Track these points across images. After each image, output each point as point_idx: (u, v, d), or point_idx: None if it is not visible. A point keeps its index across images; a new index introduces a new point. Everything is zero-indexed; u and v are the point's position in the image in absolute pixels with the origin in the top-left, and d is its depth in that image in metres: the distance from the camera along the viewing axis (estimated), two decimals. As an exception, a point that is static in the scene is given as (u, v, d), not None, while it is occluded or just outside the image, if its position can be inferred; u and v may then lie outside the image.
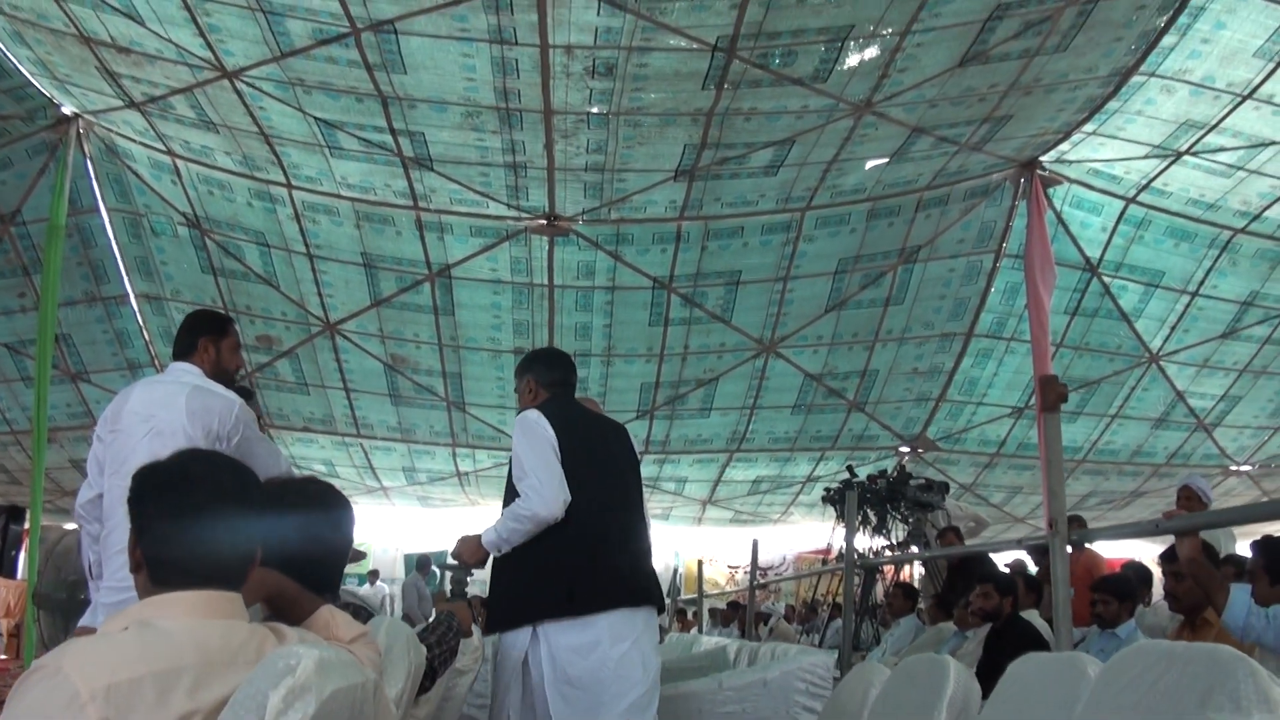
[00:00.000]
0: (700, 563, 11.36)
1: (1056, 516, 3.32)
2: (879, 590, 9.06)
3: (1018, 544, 3.72)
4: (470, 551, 3.58)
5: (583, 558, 3.35)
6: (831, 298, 10.35)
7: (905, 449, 12.35)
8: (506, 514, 3.50)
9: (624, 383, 11.14)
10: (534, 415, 3.60)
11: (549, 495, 3.41)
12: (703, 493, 13.98)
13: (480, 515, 13.96)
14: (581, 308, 10.24)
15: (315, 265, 9.79)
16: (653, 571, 3.69)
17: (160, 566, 1.62)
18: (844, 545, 6.02)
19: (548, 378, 3.84)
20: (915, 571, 10.93)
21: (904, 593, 7.53)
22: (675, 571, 12.98)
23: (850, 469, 5.55)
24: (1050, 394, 3.41)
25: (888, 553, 9.20)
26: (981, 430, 12.37)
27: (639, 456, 3.88)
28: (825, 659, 4.21)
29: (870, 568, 8.55)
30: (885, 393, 11.73)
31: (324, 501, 2.17)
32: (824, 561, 11.51)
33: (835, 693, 3.48)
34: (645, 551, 3.68)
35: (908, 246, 9.88)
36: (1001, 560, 6.76)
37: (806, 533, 13.79)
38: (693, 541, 14.82)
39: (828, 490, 9.71)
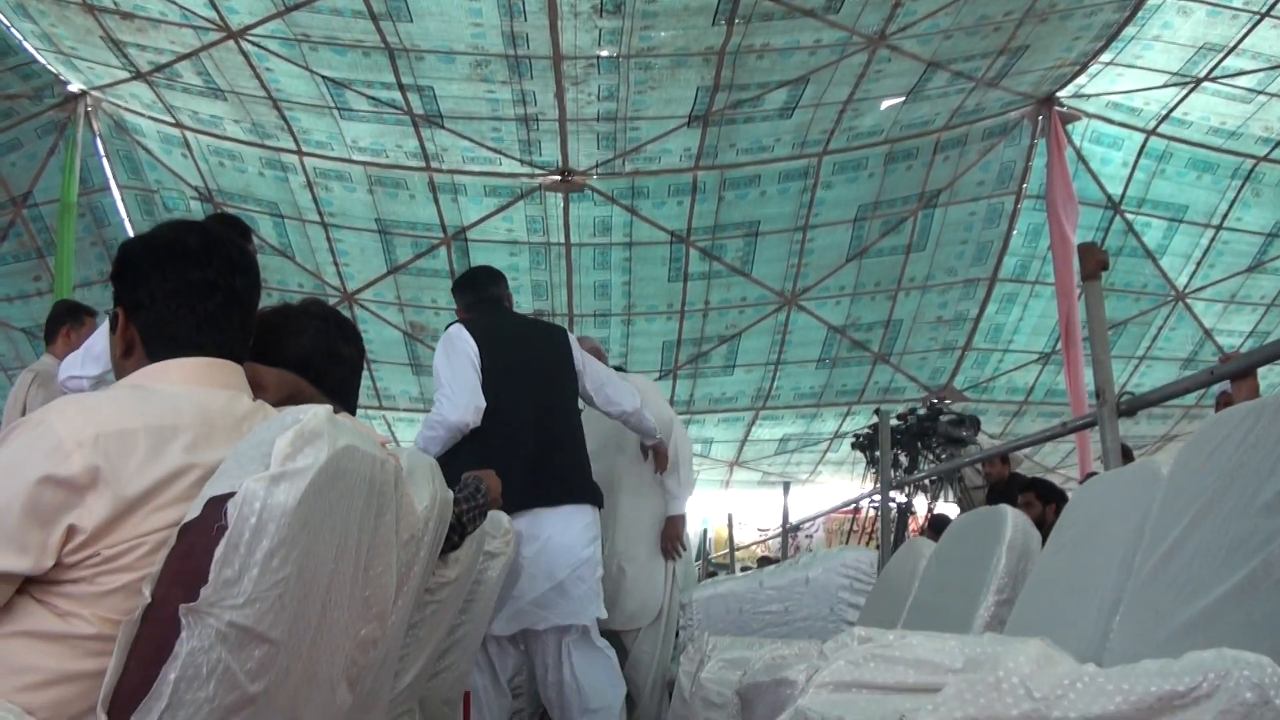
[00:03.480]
0: (730, 520, 11.17)
1: (1104, 387, 3.15)
2: (911, 532, 8.89)
3: (1062, 427, 3.58)
4: None
5: (499, 461, 3.27)
6: (852, 246, 10.18)
7: (933, 401, 12.16)
8: (423, 423, 3.63)
9: (645, 341, 10.99)
10: (455, 330, 3.69)
11: (460, 402, 3.51)
12: (729, 454, 13.83)
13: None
14: (600, 265, 10.10)
15: (330, 234, 9.69)
16: (580, 469, 3.73)
17: (161, 344, 1.49)
18: (875, 490, 5.90)
19: (463, 301, 3.92)
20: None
21: (942, 524, 7.36)
22: (704, 534, 12.84)
23: (879, 411, 5.33)
24: (1090, 261, 3.25)
25: (921, 497, 9.05)
26: (1009, 378, 12.15)
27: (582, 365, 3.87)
28: (868, 554, 4.07)
29: (903, 509, 8.39)
30: (910, 343, 11.54)
31: (331, 313, 2.06)
32: (853, 520, 11.33)
33: (882, 576, 3.35)
34: (571, 452, 3.71)
35: (927, 190, 9.70)
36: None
37: (835, 492, 13.61)
38: (721, 505, 14.66)
39: (856, 436, 9.54)
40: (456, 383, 3.56)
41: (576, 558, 3.53)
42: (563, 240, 9.81)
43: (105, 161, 9.15)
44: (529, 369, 3.69)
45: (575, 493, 3.63)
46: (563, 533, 3.54)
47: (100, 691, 1.16)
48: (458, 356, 3.61)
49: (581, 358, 3.83)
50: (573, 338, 3.86)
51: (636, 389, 4.30)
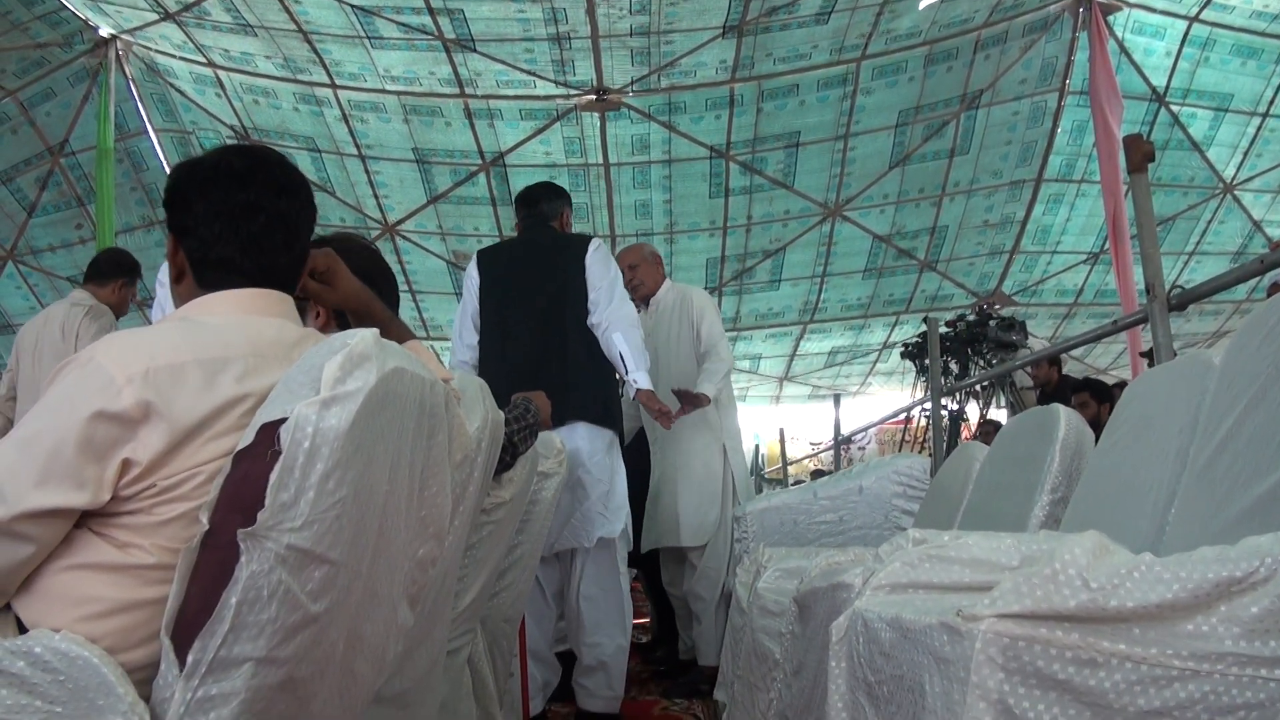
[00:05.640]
0: (782, 434, 11.19)
1: (1153, 281, 3.09)
2: (964, 439, 8.86)
3: (1113, 325, 3.53)
4: None
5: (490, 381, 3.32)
6: (894, 153, 10.02)
7: (982, 307, 12.04)
8: None
9: (689, 259, 10.95)
10: (470, 262, 3.85)
11: (454, 344, 3.82)
12: (778, 369, 13.81)
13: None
14: (639, 184, 10.03)
15: (368, 166, 9.69)
16: (581, 386, 3.65)
17: (208, 267, 1.50)
18: (925, 398, 5.85)
19: (516, 222, 4.05)
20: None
21: (993, 428, 7.34)
22: (756, 450, 12.88)
23: (927, 319, 5.26)
24: (1135, 154, 3.16)
25: (973, 403, 9.00)
26: (1058, 280, 12.00)
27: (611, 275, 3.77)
28: (920, 461, 4.07)
29: (955, 416, 8.35)
30: (957, 249, 11.41)
31: (371, 246, 2.07)
32: (905, 430, 11.30)
33: (935, 481, 3.35)
34: (568, 367, 3.65)
35: (969, 92, 9.49)
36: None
37: (886, 403, 13.59)
38: (772, 421, 14.70)
39: (905, 345, 9.48)
40: (457, 322, 3.83)
41: (573, 477, 3.53)
42: (601, 161, 9.75)
43: (139, 105, 9.18)
44: (525, 288, 3.72)
45: (573, 409, 3.60)
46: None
47: (163, 618, 1.19)
48: (464, 291, 3.86)
49: (604, 271, 3.74)
50: (594, 248, 3.76)
51: (699, 305, 4.41)
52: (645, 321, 4.68)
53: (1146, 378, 2.12)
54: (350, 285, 1.75)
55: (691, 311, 4.52)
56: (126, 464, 1.23)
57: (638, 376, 3.64)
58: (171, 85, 9.01)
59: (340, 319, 1.90)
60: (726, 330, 4.87)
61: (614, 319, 3.66)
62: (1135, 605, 0.97)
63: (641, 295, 4.60)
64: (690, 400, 4.06)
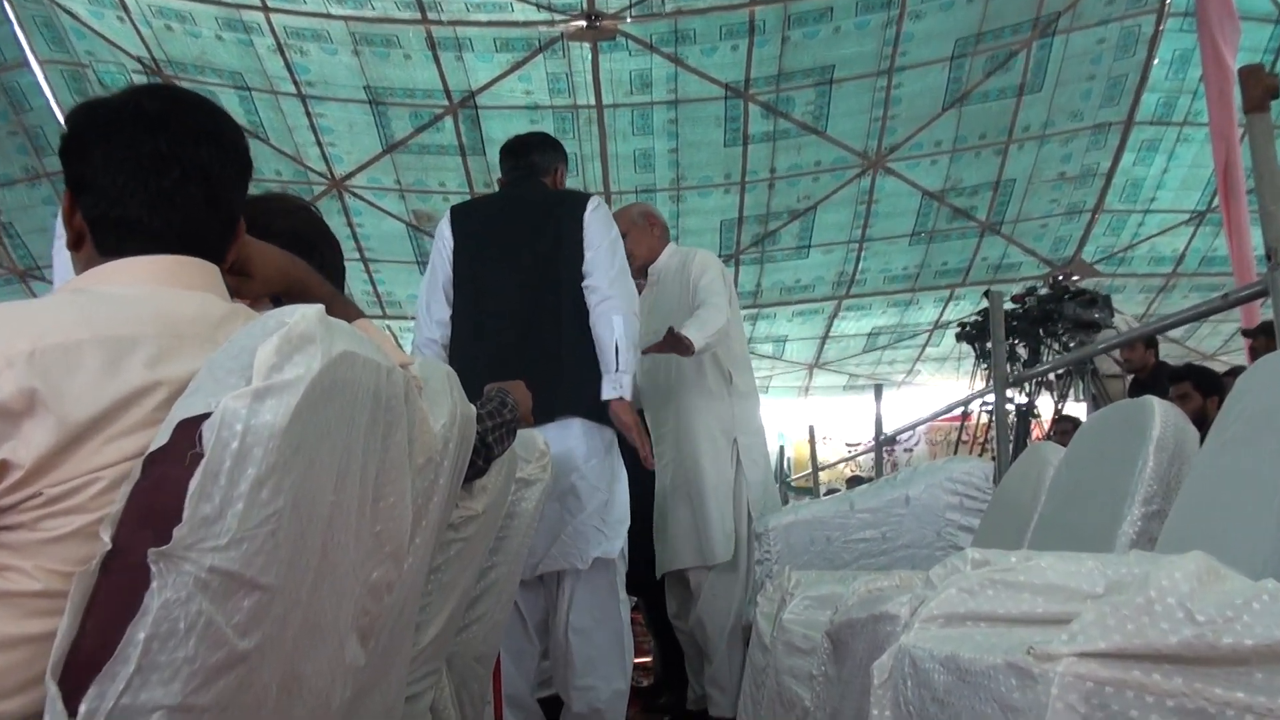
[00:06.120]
0: (812, 433, 11.17)
1: (1275, 245, 3.08)
2: (1034, 439, 8.87)
3: (1223, 299, 3.52)
4: None
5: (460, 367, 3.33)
6: (950, 92, 10.01)
7: (1057, 278, 12.05)
8: None
9: (699, 221, 10.97)
10: (441, 222, 3.87)
11: (420, 321, 3.83)
12: (807, 354, 13.84)
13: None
14: (640, 130, 10.04)
15: (310, 108, 9.68)
16: (571, 373, 3.63)
17: (111, 230, 1.48)
18: (986, 389, 5.83)
19: (500, 176, 4.05)
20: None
21: (1071, 425, 7.34)
22: (781, 452, 12.89)
23: (989, 293, 5.18)
24: (1255, 88, 3.16)
25: (1045, 396, 9.00)
26: (1152, 245, 12.03)
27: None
28: (980, 465, 4.07)
29: (1023, 411, 8.35)
30: (1026, 208, 11.41)
31: (310, 210, 2.06)
32: (961, 428, 11.31)
33: (998, 490, 3.35)
34: (556, 352, 3.64)
35: (1042, 15, 9.48)
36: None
37: (938, 395, 13.60)
38: (800, 417, 14.71)
39: (962, 326, 9.47)
40: (423, 294, 3.83)
41: (564, 485, 3.54)
42: (593, 102, 9.75)
43: (18, 30, 9.02)
44: (509, 253, 3.73)
45: (567, 401, 3.60)
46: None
47: (50, 658, 1.16)
48: (433, 256, 3.87)
49: (604, 231, 3.75)
50: (593, 206, 3.77)
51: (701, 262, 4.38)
52: (644, 299, 4.68)
53: (1266, 364, 2.12)
54: (272, 265, 1.73)
55: (691, 272, 4.49)
56: (4, 466, 1.21)
57: (622, 380, 3.60)
58: (60, 6, 8.93)
59: (276, 299, 1.90)
60: (744, 309, 4.85)
61: (616, 293, 3.64)
62: (1256, 644, 0.96)
63: (635, 266, 4.58)
64: (671, 342, 3.98)
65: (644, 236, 4.63)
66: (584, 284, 3.66)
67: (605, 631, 3.64)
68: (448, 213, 3.90)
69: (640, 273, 4.58)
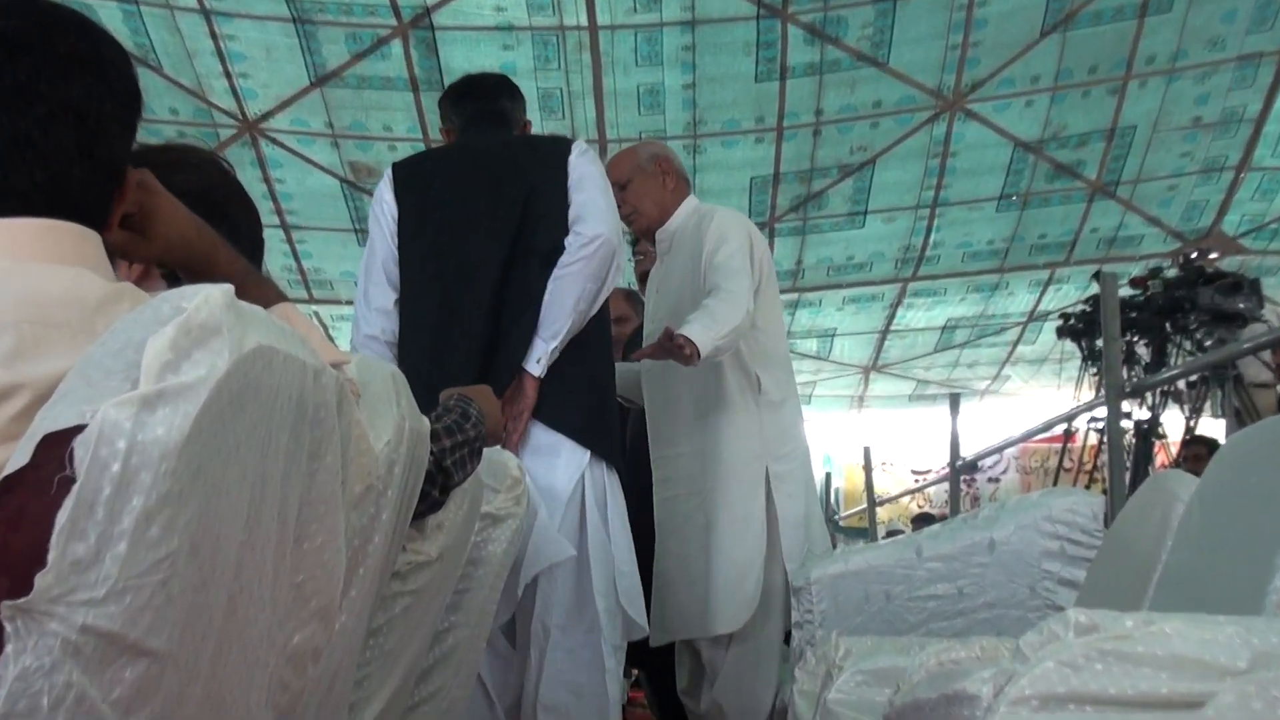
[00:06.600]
0: (868, 456, 11.15)
1: None
2: (1159, 465, 8.89)
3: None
4: None
5: (407, 365, 3.45)
6: (1051, 13, 10.01)
7: (1190, 256, 12.03)
8: None
9: (721, 178, 11.01)
10: (380, 183, 3.89)
11: (358, 310, 3.87)
12: (862, 354, 13.86)
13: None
14: (645, 60, 10.04)
15: (216, 28, 9.65)
16: (497, 365, 3.60)
17: None
18: (1096, 400, 5.81)
19: (445, 125, 4.11)
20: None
21: (1206, 448, 7.31)
22: (828, 481, 12.91)
23: (1100, 275, 5.14)
24: None
25: (1175, 412, 9.01)
26: (1316, 214, 12.03)
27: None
28: (1088, 500, 4.06)
29: (1145, 428, 8.37)
30: (1149, 164, 11.40)
31: (219, 164, 2.07)
32: (1064, 450, 11.32)
33: (1111, 532, 3.35)
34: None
35: (1174, -88, 9.54)
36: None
37: (1033, 408, 13.60)
38: (852, 435, 14.73)
39: (1066, 318, 9.48)
40: (361, 276, 3.85)
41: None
42: (584, 22, 9.74)
43: None
44: (471, 218, 3.74)
45: (550, 413, 3.62)
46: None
47: None
48: (371, 225, 3.89)
49: (596, 175, 3.76)
50: (580, 150, 3.78)
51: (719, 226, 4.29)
52: (652, 277, 4.66)
53: None
54: (176, 226, 1.74)
55: (706, 241, 4.30)
56: None
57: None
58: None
59: (170, 274, 1.89)
60: (782, 292, 4.80)
61: (612, 233, 3.63)
62: None
63: (640, 228, 4.53)
64: (667, 348, 3.80)
65: (652, 187, 4.52)
66: (567, 239, 3.64)
67: (585, 707, 3.63)
68: (388, 171, 3.90)
69: (646, 234, 4.53)
